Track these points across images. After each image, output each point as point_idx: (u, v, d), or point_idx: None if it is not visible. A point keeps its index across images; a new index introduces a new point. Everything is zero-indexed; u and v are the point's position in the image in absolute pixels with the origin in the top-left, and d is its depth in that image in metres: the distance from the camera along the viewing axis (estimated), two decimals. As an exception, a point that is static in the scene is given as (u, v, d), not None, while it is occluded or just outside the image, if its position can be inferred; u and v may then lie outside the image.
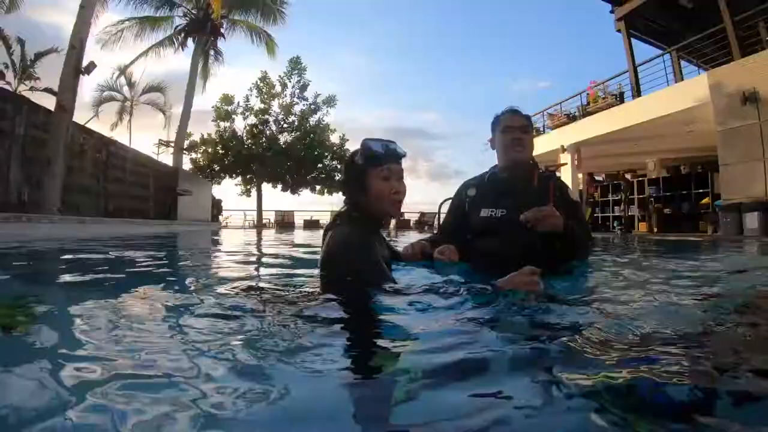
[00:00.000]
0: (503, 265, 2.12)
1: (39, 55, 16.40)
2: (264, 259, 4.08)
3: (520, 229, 2.15)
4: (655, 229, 15.63)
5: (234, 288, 1.91)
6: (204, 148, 28.04)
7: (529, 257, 2.09)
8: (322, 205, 37.09)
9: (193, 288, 2.05)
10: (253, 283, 2.09)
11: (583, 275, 2.25)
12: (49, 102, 9.68)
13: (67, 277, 2.62)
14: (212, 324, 1.31)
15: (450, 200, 2.59)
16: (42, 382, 0.86)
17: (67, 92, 9.24)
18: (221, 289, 1.92)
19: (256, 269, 2.70)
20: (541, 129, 20.28)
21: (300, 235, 11.72)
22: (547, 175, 2.37)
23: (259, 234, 12.55)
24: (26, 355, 1.03)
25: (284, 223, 27.67)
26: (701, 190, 15.20)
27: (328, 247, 1.71)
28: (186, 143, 21.91)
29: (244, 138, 28.29)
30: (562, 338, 1.13)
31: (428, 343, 1.10)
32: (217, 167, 28.02)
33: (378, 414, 0.79)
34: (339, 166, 27.00)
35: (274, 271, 2.55)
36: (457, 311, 1.43)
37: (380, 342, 1.15)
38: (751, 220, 10.14)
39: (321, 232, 1.94)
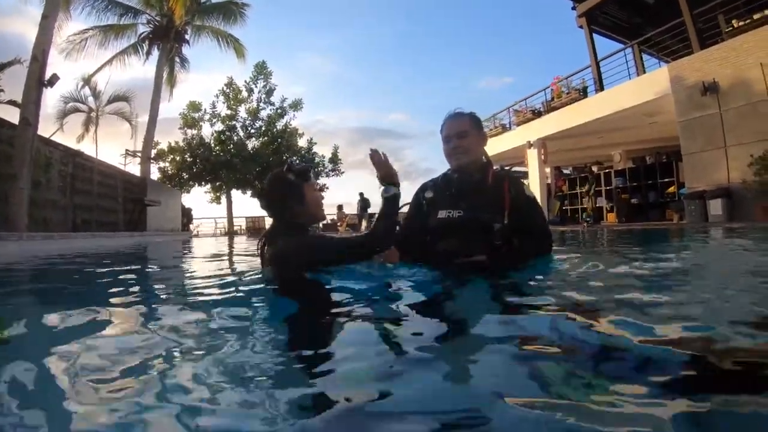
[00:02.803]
0: (462, 264, 2.19)
1: (1, 67, 15.75)
2: (234, 268, 4.04)
3: (478, 228, 2.23)
4: (624, 219, 16.01)
5: (201, 301, 1.94)
6: (172, 156, 27.46)
7: (488, 256, 2.16)
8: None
9: (158, 302, 2.03)
10: (223, 294, 2.11)
11: (541, 272, 2.25)
12: (13, 114, 9.33)
13: (27, 297, 2.63)
14: (186, 332, 1.35)
15: (408, 204, 2.60)
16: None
17: (30, 105, 8.93)
18: (188, 303, 1.96)
19: (225, 281, 2.68)
20: (507, 125, 20.62)
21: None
22: (502, 174, 2.41)
23: (230, 242, 12.30)
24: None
25: (255, 229, 27.34)
26: (667, 179, 15.66)
27: (289, 252, 1.94)
28: (153, 152, 21.41)
29: (212, 145, 27.82)
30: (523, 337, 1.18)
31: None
32: (185, 175, 27.45)
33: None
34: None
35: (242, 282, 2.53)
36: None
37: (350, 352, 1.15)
38: (715, 206, 10.53)
39: None
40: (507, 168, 2.53)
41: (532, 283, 2.01)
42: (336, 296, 1.74)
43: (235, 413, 0.80)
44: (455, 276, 2.06)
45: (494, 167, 2.44)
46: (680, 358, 0.95)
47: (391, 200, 2.04)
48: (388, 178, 2.09)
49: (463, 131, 2.35)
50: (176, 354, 1.14)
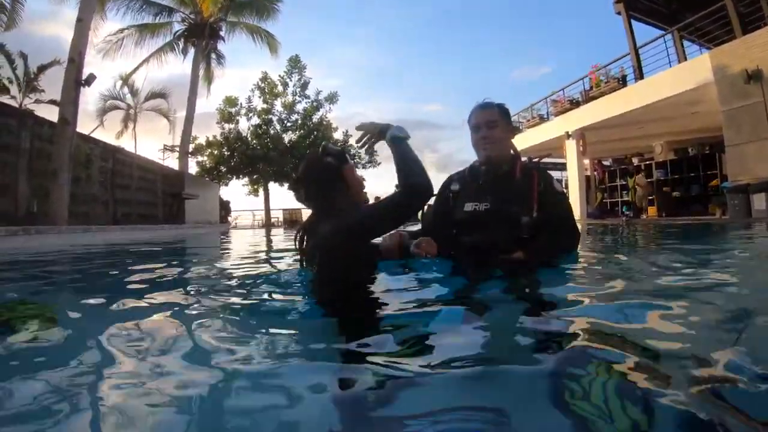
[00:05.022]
0: (488, 258, 2.16)
1: (42, 68, 16.60)
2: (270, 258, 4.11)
3: (505, 222, 2.17)
4: (664, 214, 15.46)
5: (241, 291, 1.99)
6: (210, 150, 28.20)
7: (514, 250, 2.12)
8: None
9: (194, 294, 2.07)
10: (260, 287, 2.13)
11: (565, 270, 2.21)
12: (55, 113, 9.80)
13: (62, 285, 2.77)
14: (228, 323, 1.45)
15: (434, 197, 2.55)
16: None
17: (68, 105, 9.37)
18: (227, 294, 1.99)
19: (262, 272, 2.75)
20: (545, 116, 20.18)
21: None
22: (531, 167, 2.34)
23: (267, 235, 12.50)
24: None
25: (292, 220, 27.80)
26: (709, 172, 15.04)
27: (336, 230, 1.74)
28: (191, 147, 22.03)
29: (249, 139, 28.41)
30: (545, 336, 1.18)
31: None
32: (223, 169, 28.20)
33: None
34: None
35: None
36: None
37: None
38: (759, 201, 10.01)
39: None
40: (536, 160, 2.45)
41: (564, 287, 1.93)
42: (376, 299, 1.69)
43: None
44: (489, 275, 2.02)
45: (523, 159, 2.40)
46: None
47: (399, 140, 1.84)
48: (375, 133, 1.96)
49: (492, 121, 2.30)
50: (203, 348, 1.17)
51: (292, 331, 1.36)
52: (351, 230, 1.72)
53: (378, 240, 2.23)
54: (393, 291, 1.79)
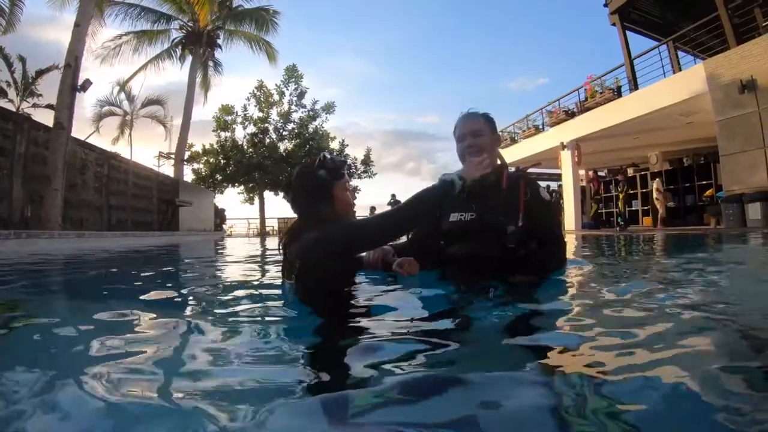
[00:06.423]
0: (475, 268, 2.13)
1: (40, 73, 16.60)
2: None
3: (491, 231, 2.13)
4: (659, 224, 15.47)
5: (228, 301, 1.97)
6: (206, 158, 28.21)
7: (501, 260, 2.09)
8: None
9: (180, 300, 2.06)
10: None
11: (554, 282, 2.18)
12: (52, 118, 9.74)
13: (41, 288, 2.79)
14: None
15: None
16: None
17: (64, 110, 9.35)
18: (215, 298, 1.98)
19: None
20: (541, 127, 20.26)
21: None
22: (517, 175, 2.29)
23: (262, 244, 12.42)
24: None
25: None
26: (704, 182, 15.10)
27: (317, 240, 1.74)
28: (187, 154, 22.02)
29: (245, 147, 28.44)
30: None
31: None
32: (219, 177, 28.19)
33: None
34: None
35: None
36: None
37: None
38: (754, 210, 10.04)
39: None
40: (523, 168, 2.39)
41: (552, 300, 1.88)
42: (356, 311, 1.68)
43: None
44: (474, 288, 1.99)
45: (510, 169, 2.35)
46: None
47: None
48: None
49: (478, 130, 2.27)
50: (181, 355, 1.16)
51: (272, 336, 1.36)
52: (334, 241, 1.72)
53: (363, 254, 2.23)
54: (373, 301, 1.79)
